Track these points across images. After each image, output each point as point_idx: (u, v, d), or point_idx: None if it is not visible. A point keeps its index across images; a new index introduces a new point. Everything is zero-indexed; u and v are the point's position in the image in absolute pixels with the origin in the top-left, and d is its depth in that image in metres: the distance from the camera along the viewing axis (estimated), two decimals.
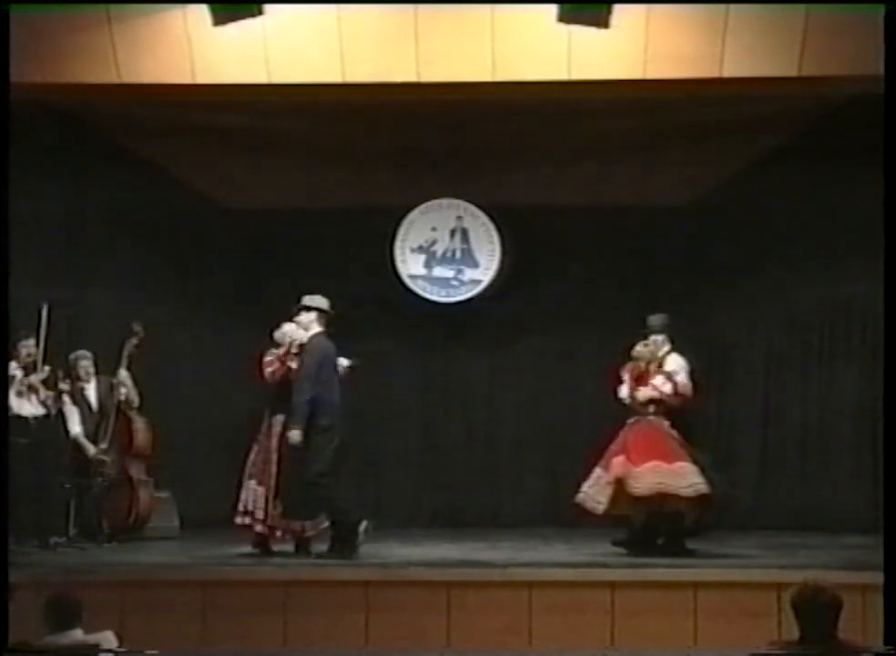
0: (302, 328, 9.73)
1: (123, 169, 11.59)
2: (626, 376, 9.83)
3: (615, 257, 11.97)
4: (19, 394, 9.95)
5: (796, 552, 9.85)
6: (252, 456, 9.76)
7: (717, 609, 8.38)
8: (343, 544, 9.36)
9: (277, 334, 9.92)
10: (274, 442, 9.68)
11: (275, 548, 9.70)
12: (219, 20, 9.06)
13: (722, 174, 11.58)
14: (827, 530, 11.02)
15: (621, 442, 9.65)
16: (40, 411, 10.09)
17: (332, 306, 9.74)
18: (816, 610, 5.05)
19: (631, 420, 9.77)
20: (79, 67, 9.35)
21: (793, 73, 9.07)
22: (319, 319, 9.69)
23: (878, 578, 7.53)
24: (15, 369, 9.96)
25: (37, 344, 10.01)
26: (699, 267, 11.83)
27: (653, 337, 9.88)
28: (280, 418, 9.66)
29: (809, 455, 11.80)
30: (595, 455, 9.70)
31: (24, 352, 10.07)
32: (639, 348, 9.81)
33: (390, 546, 9.94)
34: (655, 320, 9.98)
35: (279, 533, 9.70)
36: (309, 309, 9.71)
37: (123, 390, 10.71)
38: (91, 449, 10.47)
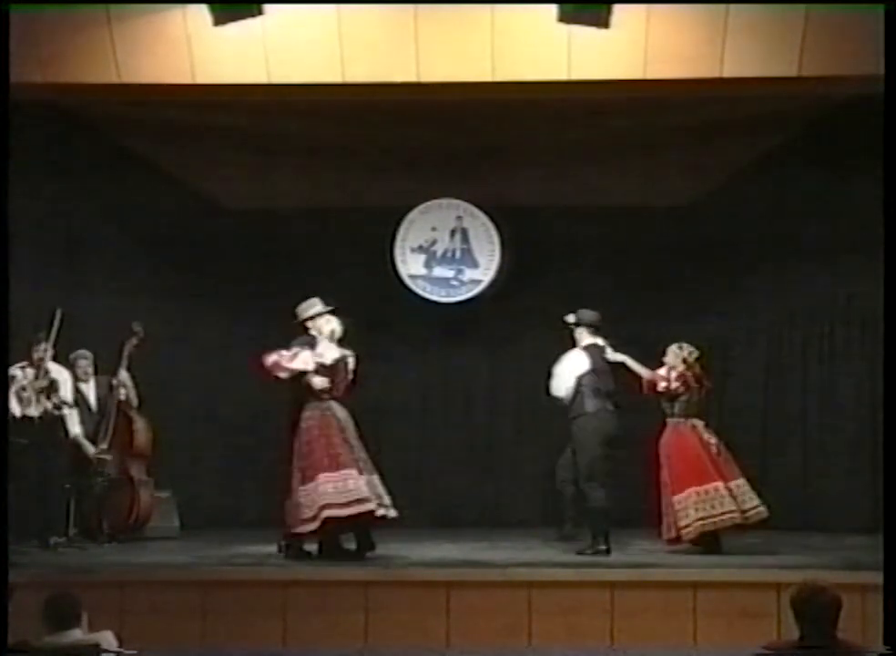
0: None
1: (123, 169, 11.60)
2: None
3: (615, 257, 11.96)
4: (19, 397, 9.94)
5: (796, 552, 9.85)
6: None
7: (717, 610, 8.39)
8: None
9: None
10: None
11: None
12: (219, 20, 9.06)
13: (722, 174, 11.58)
14: (827, 530, 11.03)
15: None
16: (41, 411, 10.09)
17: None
18: (816, 610, 5.05)
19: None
20: (79, 67, 9.34)
21: (793, 73, 9.06)
22: None
23: (878, 578, 7.52)
24: (17, 370, 9.96)
25: (46, 340, 10.01)
26: (699, 267, 11.83)
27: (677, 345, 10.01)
28: None
29: (808, 454, 11.80)
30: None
31: (36, 356, 10.04)
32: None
33: (390, 546, 9.93)
34: (584, 314, 10.06)
35: None
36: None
37: (123, 390, 10.72)
38: (91, 449, 10.47)
